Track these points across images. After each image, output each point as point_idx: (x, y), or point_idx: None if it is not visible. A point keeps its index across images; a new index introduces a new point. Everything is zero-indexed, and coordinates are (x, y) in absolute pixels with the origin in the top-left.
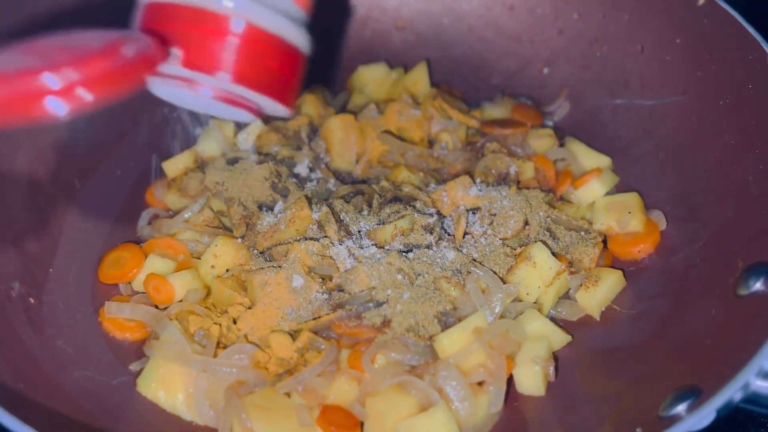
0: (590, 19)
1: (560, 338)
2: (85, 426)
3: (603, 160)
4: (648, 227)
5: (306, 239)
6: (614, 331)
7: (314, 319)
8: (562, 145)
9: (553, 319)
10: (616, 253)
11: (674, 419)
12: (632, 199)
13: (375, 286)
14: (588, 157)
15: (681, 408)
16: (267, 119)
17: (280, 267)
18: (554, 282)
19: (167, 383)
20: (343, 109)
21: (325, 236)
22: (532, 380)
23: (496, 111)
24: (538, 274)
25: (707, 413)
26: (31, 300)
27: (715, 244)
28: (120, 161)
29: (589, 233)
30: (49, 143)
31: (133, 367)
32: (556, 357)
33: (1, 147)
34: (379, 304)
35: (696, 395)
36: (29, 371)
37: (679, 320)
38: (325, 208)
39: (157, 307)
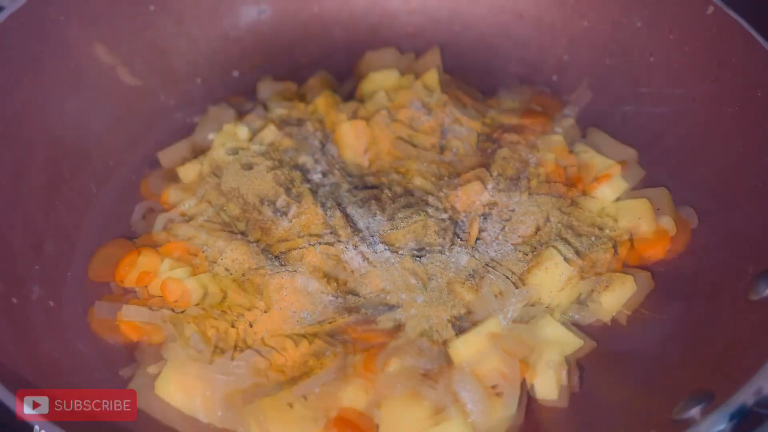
0: (614, 1)
1: (574, 343)
2: (106, 426)
3: (629, 152)
4: (679, 225)
5: (320, 243)
6: (625, 335)
7: (328, 322)
8: (583, 136)
9: (565, 324)
10: (642, 252)
11: (688, 423)
12: (660, 195)
13: (388, 289)
14: (605, 157)
15: (694, 411)
16: (280, 125)
17: (294, 271)
18: (567, 286)
19: (185, 386)
20: (350, 97)
21: (339, 240)
22: (547, 385)
23: (513, 100)
24: (552, 278)
25: (720, 417)
26: (51, 303)
27: (727, 249)
28: (134, 167)
29: (600, 238)
30: (66, 149)
31: (151, 369)
32: (569, 362)
33: (22, 153)
34: (392, 308)
35: (709, 399)
36: (51, 373)
37: (691, 324)
38: (338, 213)
39: (173, 310)
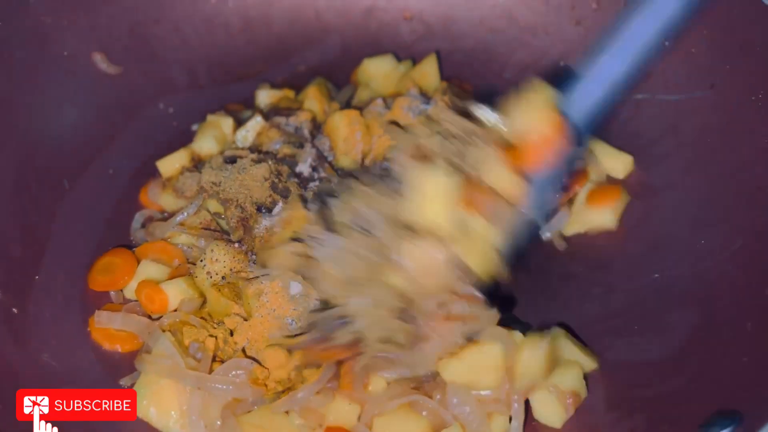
0: (610, 8)
1: (587, 363)
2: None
3: (624, 159)
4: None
5: (290, 241)
6: (639, 344)
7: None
8: None
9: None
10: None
11: None
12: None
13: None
14: (609, 156)
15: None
16: (267, 115)
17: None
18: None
19: (159, 400)
20: (347, 104)
21: (310, 235)
22: (552, 411)
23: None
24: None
25: None
26: (14, 310)
27: (749, 251)
28: (112, 159)
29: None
30: (36, 140)
31: (124, 382)
32: None
33: (20, 162)
34: (345, 322)
35: (736, 421)
36: (10, 389)
37: (710, 333)
38: (316, 205)
39: (150, 317)
